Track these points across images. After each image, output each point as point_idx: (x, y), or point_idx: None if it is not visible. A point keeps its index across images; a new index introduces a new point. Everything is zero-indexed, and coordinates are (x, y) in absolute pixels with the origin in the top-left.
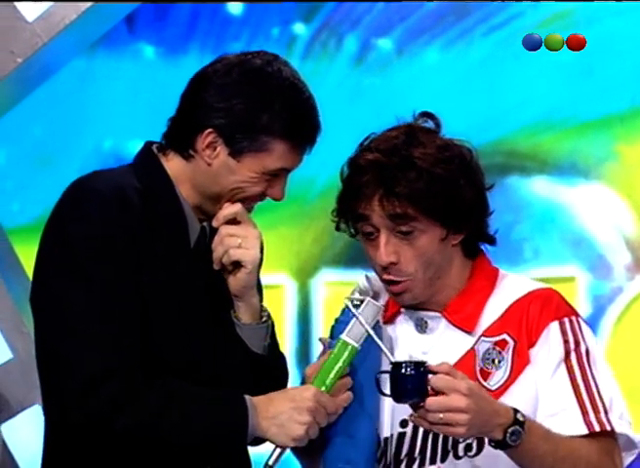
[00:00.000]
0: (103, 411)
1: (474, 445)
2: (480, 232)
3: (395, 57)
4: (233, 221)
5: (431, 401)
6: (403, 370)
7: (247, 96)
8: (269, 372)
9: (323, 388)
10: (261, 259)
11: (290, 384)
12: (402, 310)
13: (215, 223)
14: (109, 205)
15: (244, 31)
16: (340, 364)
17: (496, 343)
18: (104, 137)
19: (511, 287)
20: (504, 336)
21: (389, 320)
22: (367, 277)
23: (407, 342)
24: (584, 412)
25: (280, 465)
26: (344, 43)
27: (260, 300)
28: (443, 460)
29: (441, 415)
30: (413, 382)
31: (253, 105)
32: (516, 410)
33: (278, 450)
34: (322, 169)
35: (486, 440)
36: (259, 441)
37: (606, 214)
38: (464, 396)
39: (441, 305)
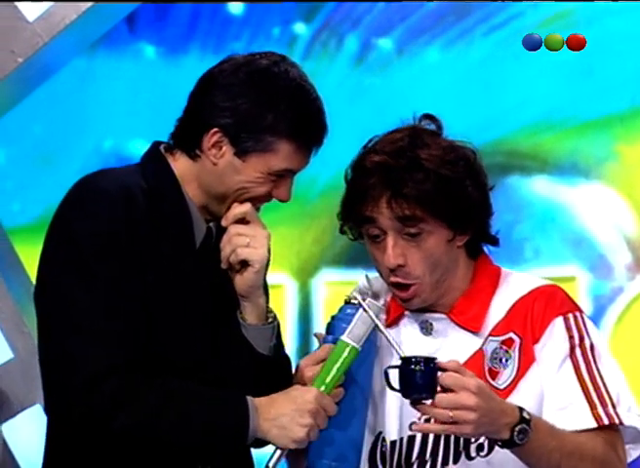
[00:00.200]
0: (106, 408)
1: (486, 444)
2: (483, 233)
3: (396, 56)
4: (242, 221)
5: (441, 397)
6: (413, 366)
7: (253, 95)
8: (274, 374)
9: (322, 389)
10: (269, 260)
11: None
12: (406, 313)
13: (224, 222)
14: (114, 203)
15: (244, 31)
16: (340, 365)
17: (503, 342)
18: (105, 137)
19: (515, 285)
20: (511, 335)
21: (393, 322)
22: (367, 277)
23: (412, 345)
24: (592, 406)
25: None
26: (345, 43)
27: (267, 302)
28: (455, 462)
29: (451, 414)
30: (423, 378)
31: (258, 105)
32: (521, 409)
33: (279, 452)
34: (323, 169)
35: None
36: (261, 443)
37: (606, 213)
38: (473, 394)
39: (447, 307)
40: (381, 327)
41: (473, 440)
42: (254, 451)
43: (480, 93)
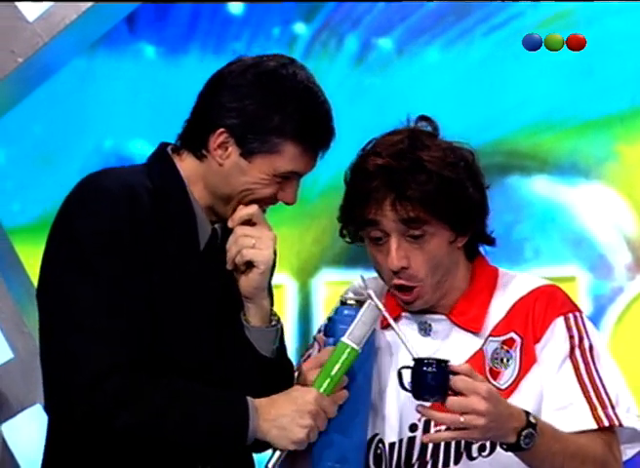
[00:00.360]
0: (108, 406)
1: (487, 444)
2: (482, 233)
3: (396, 56)
4: (249, 223)
5: (452, 400)
6: (426, 367)
7: (260, 96)
8: (277, 377)
9: (323, 390)
10: (274, 262)
11: None
12: (403, 314)
13: (230, 224)
14: (118, 202)
15: (244, 31)
16: (340, 366)
17: (503, 342)
18: (105, 137)
19: (514, 285)
20: (511, 335)
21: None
22: (362, 277)
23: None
24: (592, 408)
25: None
26: (345, 43)
27: (271, 304)
28: (457, 462)
29: (462, 419)
30: (436, 379)
31: (265, 106)
32: (528, 413)
33: (278, 453)
34: (323, 168)
35: None
36: (260, 447)
37: (606, 213)
38: (484, 399)
39: (446, 308)
40: (395, 326)
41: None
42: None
43: (480, 93)
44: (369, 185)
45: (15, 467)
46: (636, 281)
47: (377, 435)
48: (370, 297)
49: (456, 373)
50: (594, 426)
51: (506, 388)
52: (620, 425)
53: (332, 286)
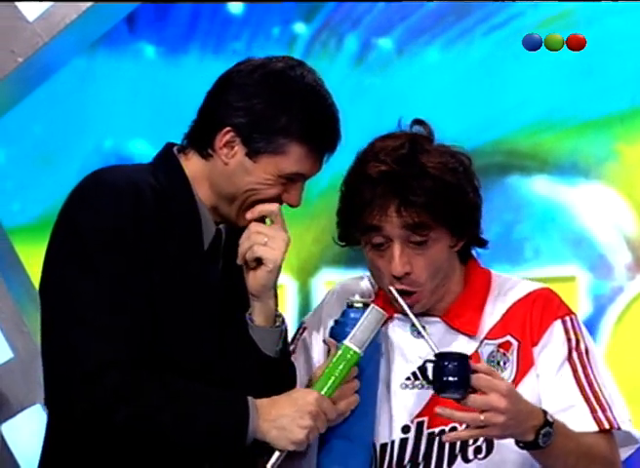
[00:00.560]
0: (108, 401)
1: (484, 447)
2: (476, 237)
3: (395, 56)
4: (263, 221)
5: (474, 398)
6: (448, 362)
7: (267, 96)
8: (278, 377)
9: (323, 392)
10: (281, 265)
11: None
12: (395, 315)
13: (249, 215)
14: (122, 198)
15: (244, 31)
16: (341, 369)
17: (500, 345)
18: (105, 137)
19: (508, 288)
20: (508, 338)
21: (382, 325)
22: (369, 279)
23: (402, 347)
24: (592, 410)
25: None
26: (345, 43)
27: (276, 305)
28: (450, 464)
29: (482, 417)
30: (459, 375)
31: (272, 106)
32: (545, 412)
33: (277, 454)
34: (323, 168)
35: (495, 442)
36: (260, 449)
37: (606, 213)
38: (504, 397)
39: (440, 310)
40: (416, 322)
41: (471, 442)
42: None
43: (480, 92)
44: (373, 191)
45: (14, 467)
46: (636, 281)
47: (373, 436)
48: (368, 309)
49: (475, 372)
50: (595, 428)
51: None
52: (618, 428)
53: (332, 285)
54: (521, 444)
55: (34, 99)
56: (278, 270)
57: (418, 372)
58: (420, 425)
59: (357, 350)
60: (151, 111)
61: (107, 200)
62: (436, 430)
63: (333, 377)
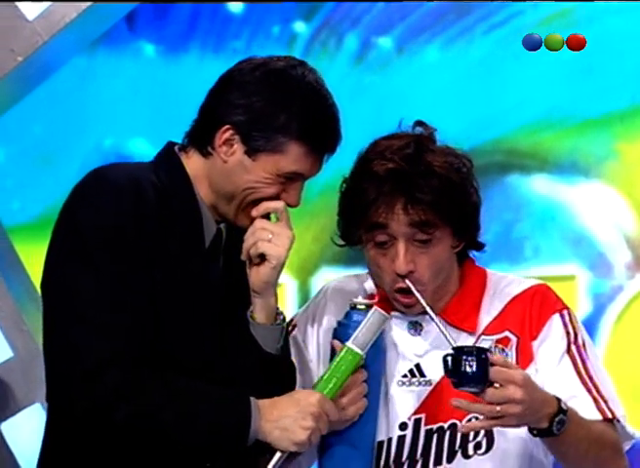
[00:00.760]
0: (108, 399)
1: (484, 442)
2: (474, 239)
3: (395, 55)
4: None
5: (491, 392)
6: (467, 356)
7: (267, 94)
8: (279, 375)
9: (325, 393)
10: (284, 263)
11: None
12: (393, 313)
13: (254, 212)
14: (123, 196)
15: (244, 30)
16: (343, 370)
17: (498, 341)
18: (105, 136)
19: (505, 285)
20: (506, 334)
21: None
22: (373, 279)
23: (399, 345)
24: (595, 400)
25: None
26: (345, 41)
27: (276, 302)
28: (449, 461)
29: (498, 408)
30: (478, 369)
31: (272, 104)
32: (559, 399)
33: (279, 455)
34: (323, 167)
35: (495, 438)
36: (262, 449)
37: (606, 212)
38: (520, 387)
39: (438, 308)
40: (433, 315)
41: (471, 438)
42: None
43: (480, 91)
44: (379, 189)
45: (14, 466)
46: (636, 280)
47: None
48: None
49: (492, 365)
50: (600, 417)
51: None
52: (618, 420)
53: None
54: (535, 431)
55: (34, 98)
56: (281, 267)
57: (415, 370)
58: (417, 422)
59: (359, 352)
60: (151, 110)
61: (108, 197)
62: (434, 427)
63: (335, 379)
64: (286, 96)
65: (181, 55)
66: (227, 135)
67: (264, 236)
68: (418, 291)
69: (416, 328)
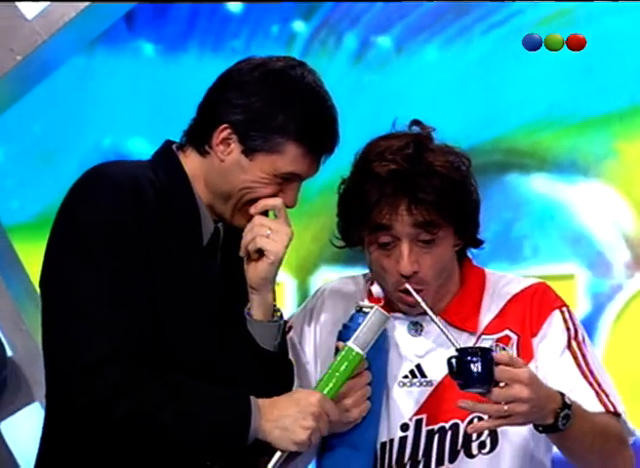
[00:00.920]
0: (108, 395)
1: (488, 442)
2: (474, 237)
3: (394, 54)
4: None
5: (498, 392)
6: (471, 358)
7: (265, 94)
8: (278, 373)
9: (326, 392)
10: (282, 260)
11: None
12: (393, 314)
13: (252, 210)
14: (122, 193)
15: (243, 29)
16: (344, 370)
17: (498, 340)
18: (104, 135)
19: (504, 284)
20: (507, 332)
21: None
22: (379, 283)
23: (400, 345)
24: (597, 393)
25: None
26: (344, 41)
27: (274, 299)
28: (452, 461)
29: (506, 407)
30: (483, 370)
31: (270, 104)
32: (562, 394)
33: (279, 454)
34: (322, 166)
35: (500, 437)
36: (261, 448)
37: (605, 211)
38: (526, 386)
39: (439, 309)
40: (435, 319)
41: (475, 437)
42: None
43: (479, 91)
44: (381, 190)
45: (13, 465)
46: (635, 279)
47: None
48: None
49: (497, 364)
50: (602, 410)
51: None
52: (620, 414)
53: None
54: (540, 428)
55: (33, 98)
56: (279, 263)
57: (415, 370)
58: (418, 423)
59: (360, 351)
60: (150, 109)
61: (107, 194)
62: (435, 427)
63: (335, 378)
64: (284, 96)
65: (180, 54)
66: (225, 134)
67: (263, 232)
68: (418, 293)
69: (416, 328)
